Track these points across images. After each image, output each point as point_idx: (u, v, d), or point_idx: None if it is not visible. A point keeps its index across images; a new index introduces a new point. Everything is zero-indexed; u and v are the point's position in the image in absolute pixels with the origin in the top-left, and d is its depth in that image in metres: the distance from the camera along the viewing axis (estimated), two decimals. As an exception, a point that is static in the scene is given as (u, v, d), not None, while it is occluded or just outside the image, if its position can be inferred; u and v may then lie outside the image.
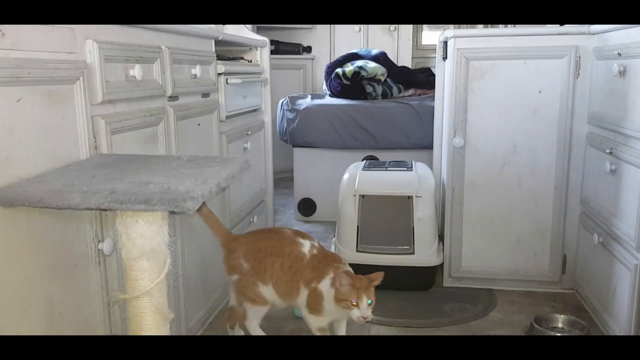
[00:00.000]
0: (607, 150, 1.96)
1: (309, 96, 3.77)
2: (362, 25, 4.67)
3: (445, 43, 2.52)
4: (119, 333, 1.43)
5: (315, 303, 1.73)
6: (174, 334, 1.72)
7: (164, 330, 1.16)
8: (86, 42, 1.32)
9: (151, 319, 1.13)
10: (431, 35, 5.09)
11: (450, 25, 3.04)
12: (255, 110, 2.65)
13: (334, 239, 2.53)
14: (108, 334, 1.41)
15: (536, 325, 1.97)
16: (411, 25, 4.72)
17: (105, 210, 1.03)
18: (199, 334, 2.00)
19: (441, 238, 2.48)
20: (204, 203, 1.75)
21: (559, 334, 1.92)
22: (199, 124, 1.96)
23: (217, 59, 2.14)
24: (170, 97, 1.75)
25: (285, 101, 3.60)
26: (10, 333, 1.10)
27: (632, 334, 1.75)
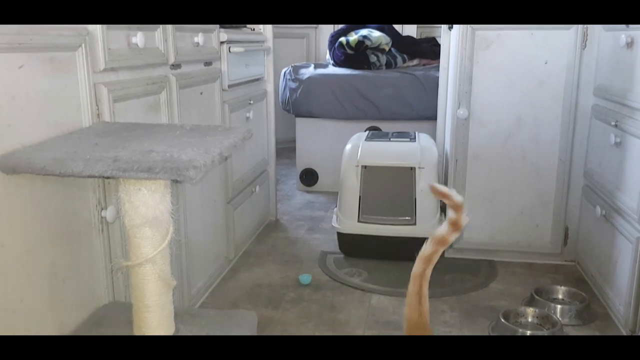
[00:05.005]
0: (613, 123, 1.95)
1: (312, 65, 3.74)
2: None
3: (451, 12, 2.48)
4: (122, 300, 1.45)
5: None
6: (177, 301, 1.74)
7: (166, 297, 1.17)
8: (87, 8, 1.30)
9: (154, 286, 1.14)
10: (437, 4, 5.02)
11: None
12: (257, 80, 2.64)
13: (335, 209, 2.53)
14: (111, 300, 1.42)
15: (536, 297, 1.99)
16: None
17: (108, 178, 1.03)
18: (201, 301, 2.02)
19: (443, 209, 2.48)
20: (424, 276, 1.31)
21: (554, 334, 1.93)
22: (201, 93, 1.95)
23: (219, 27, 2.12)
24: (173, 65, 1.74)
25: (288, 70, 3.57)
26: (14, 299, 1.11)
27: (631, 307, 1.77)
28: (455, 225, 1.12)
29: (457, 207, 1.09)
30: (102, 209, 1.36)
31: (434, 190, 1.12)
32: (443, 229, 1.14)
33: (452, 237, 1.15)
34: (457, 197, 1.09)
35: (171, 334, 1.21)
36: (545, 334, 1.74)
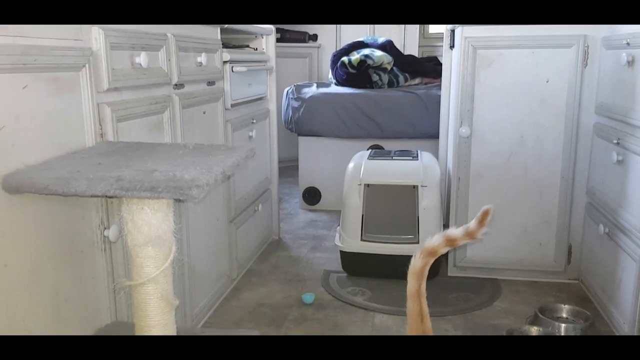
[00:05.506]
0: (615, 141, 1.95)
1: (315, 85, 3.76)
2: (368, 14, 4.64)
3: (453, 31, 2.50)
4: (125, 319, 1.44)
5: None
6: (179, 320, 1.73)
7: (169, 317, 1.17)
8: (92, 28, 1.32)
9: (156, 306, 1.14)
10: (438, 23, 5.06)
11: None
12: (260, 99, 2.65)
13: (338, 228, 2.53)
14: (113, 320, 1.42)
15: (540, 315, 1.98)
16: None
17: (111, 197, 1.03)
18: (204, 320, 2.01)
19: (446, 228, 2.47)
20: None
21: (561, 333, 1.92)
22: (204, 112, 1.96)
23: (222, 47, 2.14)
24: (176, 85, 1.75)
25: (290, 89, 3.59)
26: (17, 318, 1.11)
27: (636, 326, 1.75)
28: (451, 242, 1.13)
29: (471, 236, 1.10)
30: (104, 229, 1.36)
31: (485, 214, 1.10)
32: (434, 240, 1.15)
33: (443, 250, 1.16)
34: (480, 234, 1.11)
35: (173, 354, 1.20)
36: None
